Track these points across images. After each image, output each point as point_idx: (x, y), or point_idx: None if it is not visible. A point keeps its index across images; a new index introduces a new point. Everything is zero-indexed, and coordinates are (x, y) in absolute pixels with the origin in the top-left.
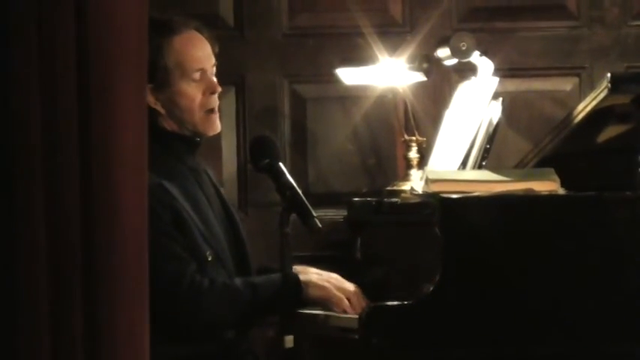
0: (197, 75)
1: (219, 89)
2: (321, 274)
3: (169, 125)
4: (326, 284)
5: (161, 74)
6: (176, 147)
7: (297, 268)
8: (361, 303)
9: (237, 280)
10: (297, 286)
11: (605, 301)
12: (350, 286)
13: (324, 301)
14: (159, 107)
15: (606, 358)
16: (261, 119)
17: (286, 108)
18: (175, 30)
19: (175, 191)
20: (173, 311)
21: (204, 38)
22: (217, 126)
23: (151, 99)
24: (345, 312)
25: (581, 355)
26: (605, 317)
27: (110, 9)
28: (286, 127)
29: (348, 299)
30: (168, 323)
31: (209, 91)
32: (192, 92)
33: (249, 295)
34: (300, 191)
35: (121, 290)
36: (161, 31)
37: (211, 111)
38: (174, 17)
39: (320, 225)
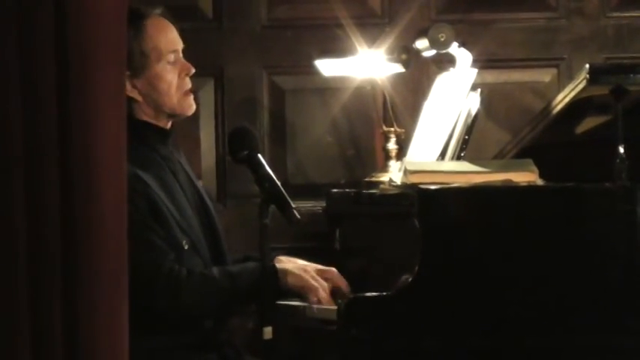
0: (172, 57)
1: (193, 70)
2: (298, 263)
3: (145, 113)
4: (302, 273)
5: (138, 60)
6: (149, 136)
7: (279, 258)
8: (341, 287)
9: (215, 270)
10: (274, 274)
11: (584, 292)
12: (327, 275)
13: (300, 289)
14: (135, 95)
15: (586, 349)
16: (240, 111)
17: (265, 99)
18: (144, 15)
19: (150, 180)
20: (151, 301)
21: (169, 22)
22: (194, 106)
23: (128, 87)
24: (319, 302)
25: (560, 346)
26: (584, 308)
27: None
28: (265, 118)
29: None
30: (147, 313)
31: (184, 72)
32: (169, 75)
33: (226, 284)
34: (278, 183)
35: (100, 282)
36: (132, 17)
37: (187, 92)
38: (137, 6)
39: (299, 216)
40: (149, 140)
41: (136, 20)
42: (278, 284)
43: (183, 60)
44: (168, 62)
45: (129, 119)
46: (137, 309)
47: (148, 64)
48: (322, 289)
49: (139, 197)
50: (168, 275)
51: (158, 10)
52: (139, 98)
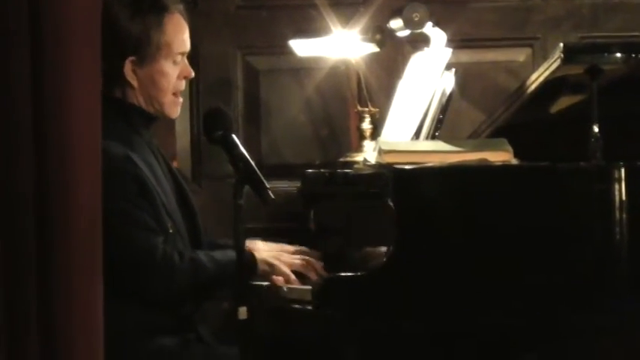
0: (179, 58)
1: (193, 75)
2: (272, 248)
3: (136, 99)
4: (275, 262)
5: (149, 49)
6: (136, 120)
7: (248, 244)
8: (314, 269)
9: (201, 255)
10: (252, 264)
11: (559, 271)
12: (298, 260)
13: (271, 275)
14: (134, 81)
15: (561, 327)
16: (215, 91)
17: (239, 80)
18: (168, 9)
19: (140, 162)
20: (146, 282)
21: (186, 23)
22: (179, 111)
23: (129, 71)
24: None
25: (535, 325)
26: (560, 288)
27: None
28: (239, 98)
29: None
30: (139, 293)
31: (183, 75)
32: (170, 73)
33: (212, 270)
34: (253, 163)
35: (75, 265)
36: (159, 7)
37: (177, 94)
38: None
39: (273, 197)
40: (135, 123)
41: (159, 12)
42: (254, 272)
43: (186, 63)
44: (174, 62)
45: (121, 102)
46: (119, 288)
47: (157, 57)
48: (295, 269)
49: (130, 178)
50: (163, 257)
51: (180, 7)
52: (136, 85)
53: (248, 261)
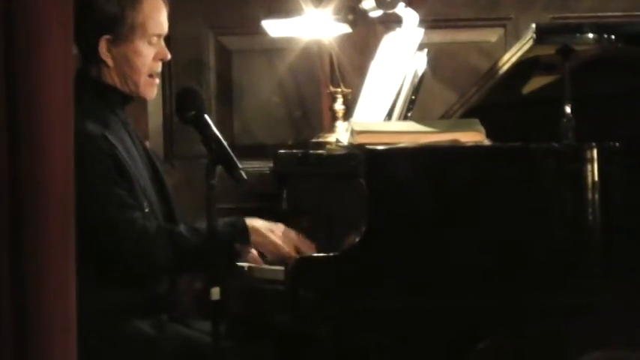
0: (155, 39)
1: (169, 57)
2: (268, 224)
3: (111, 79)
4: (268, 233)
5: (124, 29)
6: (111, 99)
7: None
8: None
9: (181, 226)
10: (244, 231)
11: (532, 251)
12: (293, 236)
13: (264, 248)
14: (109, 59)
15: (535, 308)
16: (187, 71)
17: (212, 60)
18: None
19: (116, 142)
20: (123, 256)
21: (165, 5)
22: (155, 92)
23: (103, 49)
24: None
25: (509, 306)
26: (533, 268)
27: None
28: (212, 79)
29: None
30: (118, 269)
31: (159, 56)
32: (146, 53)
33: (194, 238)
34: (225, 143)
35: (47, 242)
36: None
37: (154, 75)
38: None
39: (246, 177)
40: (110, 103)
41: None
42: (247, 237)
43: (162, 45)
44: (150, 42)
45: (96, 82)
46: (90, 270)
47: (131, 37)
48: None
49: (107, 157)
50: (140, 230)
51: None
52: (110, 64)
53: (241, 229)
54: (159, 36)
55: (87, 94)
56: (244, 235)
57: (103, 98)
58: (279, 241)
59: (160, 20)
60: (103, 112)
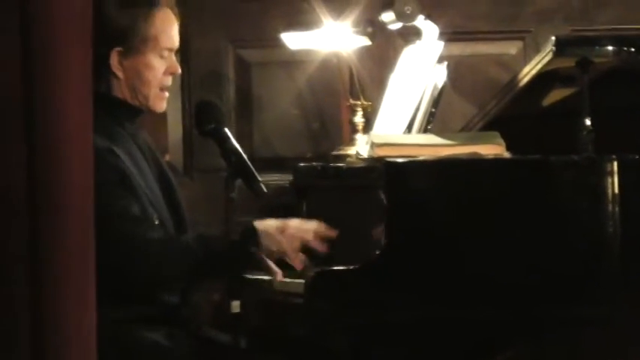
0: (166, 53)
1: (179, 71)
2: (282, 223)
3: (121, 92)
4: (281, 238)
5: (136, 41)
6: (119, 113)
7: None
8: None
9: (189, 236)
10: (253, 233)
11: (551, 263)
12: (309, 229)
13: (275, 252)
14: (119, 72)
15: (554, 320)
16: (206, 84)
17: (231, 73)
18: (158, 4)
19: (123, 155)
20: (130, 269)
21: (176, 19)
22: (164, 105)
23: (114, 62)
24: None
25: (527, 317)
26: (552, 280)
27: None
28: (231, 92)
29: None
30: (124, 282)
31: (170, 70)
32: (157, 67)
33: (202, 248)
34: (245, 156)
35: (66, 257)
36: (149, 1)
37: (164, 89)
38: None
39: (265, 190)
40: (117, 116)
41: (148, 5)
42: (257, 242)
43: (173, 59)
44: (161, 56)
45: (105, 96)
46: (105, 280)
47: (143, 50)
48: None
49: (113, 170)
50: (145, 242)
51: (171, 2)
52: (121, 76)
53: (249, 233)
54: (170, 50)
55: (94, 108)
56: (253, 238)
57: (111, 112)
58: (289, 249)
59: (172, 34)
60: (110, 125)
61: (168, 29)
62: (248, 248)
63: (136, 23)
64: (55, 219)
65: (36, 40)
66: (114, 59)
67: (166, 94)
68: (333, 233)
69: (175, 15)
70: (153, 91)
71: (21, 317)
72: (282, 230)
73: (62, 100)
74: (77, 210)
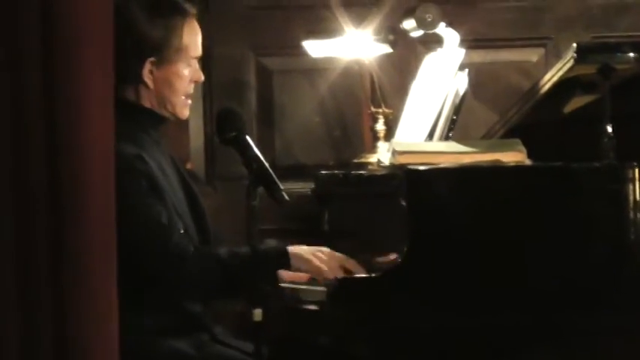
0: (194, 62)
1: (202, 79)
2: (313, 248)
3: (149, 100)
4: (310, 257)
5: (168, 52)
6: (144, 120)
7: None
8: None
9: (222, 249)
10: (284, 257)
11: (573, 271)
12: (337, 260)
13: (306, 271)
14: (150, 81)
15: (575, 327)
16: (228, 92)
17: (253, 81)
18: (189, 13)
19: (151, 161)
20: (161, 277)
21: (199, 27)
22: (188, 112)
23: (147, 72)
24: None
25: (550, 324)
26: (573, 287)
27: None
28: (253, 99)
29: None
30: (154, 289)
31: (194, 78)
32: (185, 76)
33: (234, 263)
34: (267, 164)
35: (88, 264)
36: (180, 11)
37: (188, 97)
38: (183, 2)
39: (287, 198)
40: (143, 124)
41: (179, 16)
42: (288, 265)
43: (197, 67)
44: (189, 65)
45: (132, 104)
46: (132, 287)
47: (175, 60)
48: (330, 269)
49: (143, 177)
50: (176, 251)
51: (194, 11)
52: (151, 86)
53: (281, 255)
54: (196, 58)
55: (120, 117)
56: (284, 261)
57: (137, 119)
58: (323, 266)
59: (198, 43)
60: (136, 132)
61: (196, 38)
62: (278, 268)
63: (168, 35)
64: (77, 215)
65: (57, 40)
66: (146, 69)
67: (189, 101)
68: (359, 269)
69: (198, 24)
70: (179, 99)
71: (43, 329)
72: (314, 254)
73: (83, 101)
74: (99, 217)
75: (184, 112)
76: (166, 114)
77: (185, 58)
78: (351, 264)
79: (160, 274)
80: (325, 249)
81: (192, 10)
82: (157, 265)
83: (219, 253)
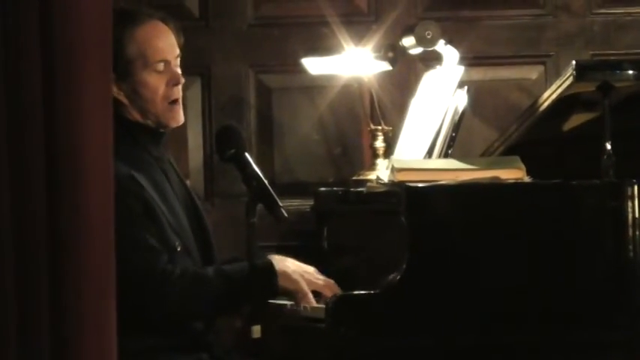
0: (160, 66)
1: (183, 81)
2: (299, 266)
3: (133, 115)
4: (298, 278)
5: (122, 64)
6: (141, 137)
7: (276, 257)
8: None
9: (209, 269)
10: (271, 274)
11: (572, 288)
12: (321, 281)
13: (292, 293)
14: (122, 97)
15: (575, 345)
16: (227, 109)
17: (252, 98)
18: (137, 20)
19: (144, 181)
20: (141, 301)
21: (168, 29)
22: (181, 118)
23: (114, 89)
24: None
25: (549, 342)
26: (573, 304)
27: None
28: (252, 117)
29: (318, 291)
30: (140, 314)
31: (172, 82)
32: (154, 83)
33: (221, 284)
34: (266, 181)
35: (87, 283)
36: (122, 20)
37: (174, 102)
38: (139, 8)
39: (286, 215)
40: (141, 141)
41: (125, 23)
42: (273, 285)
43: (173, 69)
44: (156, 70)
45: (120, 120)
46: (129, 309)
47: (133, 70)
48: (317, 289)
49: (133, 198)
50: (162, 275)
51: (158, 15)
52: (125, 101)
53: (268, 271)
54: (165, 62)
55: (116, 134)
56: (272, 281)
57: (130, 136)
58: (305, 288)
59: (160, 46)
60: (133, 151)
61: (155, 42)
62: (266, 287)
63: (118, 46)
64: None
65: (57, 62)
66: (113, 86)
67: (178, 106)
68: (338, 292)
69: (170, 26)
70: (160, 107)
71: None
72: (300, 273)
73: (83, 101)
74: (97, 237)
75: (171, 119)
76: (153, 125)
77: (146, 65)
78: (328, 291)
79: (143, 297)
80: (311, 269)
81: (141, 15)
82: (140, 288)
83: (207, 274)
